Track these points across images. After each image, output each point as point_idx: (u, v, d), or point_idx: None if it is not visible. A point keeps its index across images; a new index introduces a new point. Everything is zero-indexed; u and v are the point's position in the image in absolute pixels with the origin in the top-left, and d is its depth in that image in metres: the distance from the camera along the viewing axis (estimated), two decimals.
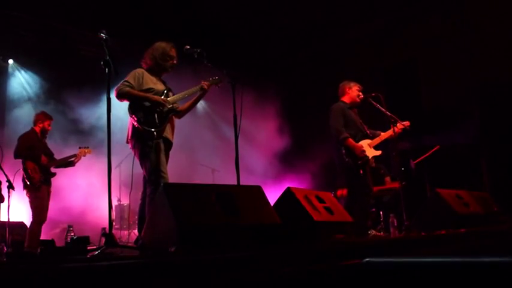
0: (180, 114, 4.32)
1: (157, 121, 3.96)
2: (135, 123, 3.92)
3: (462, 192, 5.69)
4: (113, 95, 3.70)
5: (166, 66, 4.23)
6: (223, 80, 4.41)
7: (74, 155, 6.02)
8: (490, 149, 7.25)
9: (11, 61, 8.01)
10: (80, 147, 6.19)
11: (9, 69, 8.04)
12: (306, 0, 7.98)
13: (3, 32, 7.48)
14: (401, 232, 4.51)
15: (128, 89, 3.96)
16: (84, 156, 6.17)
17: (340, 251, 2.89)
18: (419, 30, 8.41)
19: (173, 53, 4.26)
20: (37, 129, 5.97)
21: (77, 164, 6.17)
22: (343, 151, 5.03)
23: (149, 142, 3.91)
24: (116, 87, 3.90)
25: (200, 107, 10.35)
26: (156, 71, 4.24)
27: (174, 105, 4.15)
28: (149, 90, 4.05)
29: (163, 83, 4.29)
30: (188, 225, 2.90)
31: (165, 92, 4.16)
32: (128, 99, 3.97)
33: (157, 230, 3.13)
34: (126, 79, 4.03)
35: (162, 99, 4.03)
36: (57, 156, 6.10)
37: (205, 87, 4.27)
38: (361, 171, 5.00)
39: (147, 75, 4.15)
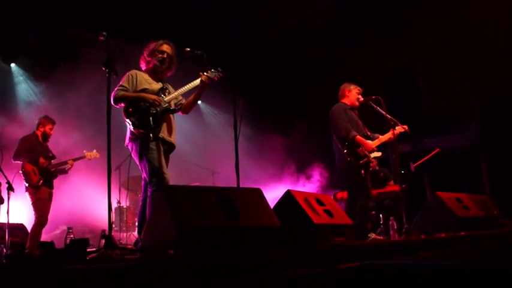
0: (184, 109, 4.28)
1: (152, 123, 3.93)
2: (130, 127, 3.92)
3: (462, 195, 5.69)
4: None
5: (155, 62, 4.16)
6: (222, 72, 4.29)
7: (65, 162, 6.02)
8: (490, 152, 7.25)
9: (13, 65, 8.04)
10: (85, 151, 6.21)
11: (11, 71, 8.06)
12: (307, 3, 8.00)
13: (5, 34, 7.49)
14: (401, 235, 4.51)
15: (122, 93, 3.96)
16: (91, 159, 6.20)
17: (340, 253, 2.89)
18: (419, 33, 8.42)
19: (163, 48, 4.20)
20: (38, 133, 5.99)
21: (76, 166, 6.18)
22: (345, 150, 5.02)
23: (147, 144, 3.91)
24: (112, 93, 3.87)
25: (201, 109, 10.38)
26: (151, 70, 4.22)
27: (171, 103, 4.13)
28: (143, 90, 4.03)
29: (162, 82, 4.25)
30: (188, 228, 2.90)
31: (161, 90, 4.12)
32: (124, 102, 3.96)
33: (156, 232, 3.13)
34: (120, 83, 4.03)
35: (156, 97, 3.99)
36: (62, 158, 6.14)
37: (204, 79, 4.19)
38: (362, 172, 4.99)
39: (141, 76, 4.13)
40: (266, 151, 9.24)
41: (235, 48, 8.89)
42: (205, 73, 4.21)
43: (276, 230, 3.38)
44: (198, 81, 4.21)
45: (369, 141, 5.13)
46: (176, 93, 4.19)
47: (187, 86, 4.22)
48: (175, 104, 4.22)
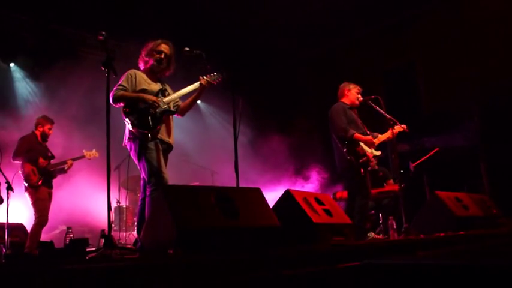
0: (181, 111, 4.28)
1: (150, 123, 3.92)
2: (129, 127, 3.92)
3: (461, 194, 5.70)
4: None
5: (152, 62, 4.15)
6: (222, 76, 4.29)
7: (64, 162, 6.02)
8: (490, 152, 7.26)
9: (12, 64, 8.03)
10: (84, 150, 6.20)
11: (10, 71, 8.06)
12: (306, 3, 8.00)
13: (4, 34, 7.49)
14: (400, 234, 4.51)
15: (121, 92, 3.95)
16: (90, 158, 6.21)
17: (339, 253, 2.89)
18: (418, 33, 8.43)
19: (161, 48, 4.19)
20: (37, 132, 5.99)
21: (75, 166, 6.17)
22: (345, 150, 5.02)
23: (146, 144, 3.90)
24: (111, 92, 3.86)
25: (201, 109, 10.37)
26: (149, 70, 4.21)
27: (170, 104, 4.13)
28: (143, 90, 4.03)
29: (161, 83, 4.25)
30: (187, 228, 2.90)
31: (160, 91, 4.12)
32: (122, 102, 3.96)
33: (156, 232, 3.13)
34: (119, 83, 4.03)
35: (155, 98, 3.99)
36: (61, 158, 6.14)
37: (204, 83, 4.19)
38: (362, 170, 4.99)
39: (140, 76, 4.13)
40: (265, 151, 9.23)
41: (235, 48, 8.89)
42: (204, 77, 4.21)
43: (276, 230, 3.37)
44: (197, 84, 4.21)
45: (369, 137, 5.14)
46: (175, 95, 4.19)
47: (187, 88, 4.22)
48: (173, 105, 4.22)
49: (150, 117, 3.93)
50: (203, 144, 9.56)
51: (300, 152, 9.20)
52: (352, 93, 5.39)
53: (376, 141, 5.18)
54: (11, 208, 5.20)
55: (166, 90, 4.21)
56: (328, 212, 4.21)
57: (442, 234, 4.48)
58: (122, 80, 4.04)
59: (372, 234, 4.91)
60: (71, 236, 4.95)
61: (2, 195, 5.47)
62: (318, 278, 2.27)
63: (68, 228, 5.09)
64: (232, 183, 4.08)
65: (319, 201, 4.27)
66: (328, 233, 3.99)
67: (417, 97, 8.54)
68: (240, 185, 4.07)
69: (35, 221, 5.63)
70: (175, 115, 4.26)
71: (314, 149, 8.81)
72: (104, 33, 3.61)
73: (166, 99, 4.09)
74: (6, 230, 5.09)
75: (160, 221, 3.05)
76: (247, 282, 2.08)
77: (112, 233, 3.73)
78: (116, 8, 7.47)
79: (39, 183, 5.69)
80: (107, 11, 7.31)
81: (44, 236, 5.85)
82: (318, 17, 8.27)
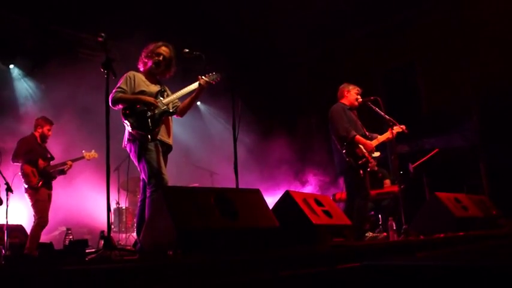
0: (180, 112, 4.28)
1: (150, 124, 3.93)
2: (129, 129, 3.92)
3: (461, 195, 5.70)
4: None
5: (151, 64, 4.15)
6: (220, 76, 4.29)
7: (64, 163, 6.02)
8: (489, 153, 7.26)
9: (11, 66, 8.04)
10: (84, 151, 6.20)
11: (10, 72, 8.06)
12: (305, 3, 8.01)
13: (3, 35, 7.49)
14: (400, 235, 4.51)
15: (120, 94, 3.95)
16: (89, 159, 6.21)
17: (338, 254, 2.89)
18: (418, 33, 8.44)
19: (161, 50, 4.19)
20: (36, 134, 5.98)
21: (74, 167, 6.17)
22: (344, 151, 5.02)
23: (145, 145, 3.90)
24: (110, 95, 3.86)
25: (200, 110, 10.38)
26: (147, 72, 4.21)
27: (169, 105, 4.13)
28: (141, 92, 4.03)
29: (159, 84, 4.25)
30: (187, 229, 2.90)
31: (159, 92, 4.12)
32: (121, 104, 3.96)
33: (155, 233, 3.13)
34: (118, 85, 4.03)
35: (154, 100, 4.00)
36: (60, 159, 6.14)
37: (203, 83, 4.18)
38: (361, 172, 4.98)
39: (139, 77, 4.13)
40: (265, 154, 9.24)
41: (235, 49, 8.89)
42: (203, 77, 4.20)
43: (275, 231, 3.37)
44: (196, 84, 4.21)
45: (369, 141, 5.13)
46: (174, 95, 4.19)
47: (186, 89, 4.22)
48: (172, 106, 4.22)
49: (149, 119, 3.93)
50: (203, 146, 9.56)
51: (299, 153, 9.21)
52: (351, 94, 5.39)
53: (376, 142, 5.18)
54: (11, 209, 5.20)
55: (165, 91, 4.21)
56: (327, 213, 4.21)
57: (441, 235, 4.48)
58: (121, 82, 4.04)
59: (369, 234, 4.90)
60: (71, 237, 4.95)
61: (1, 196, 5.47)
62: (317, 279, 2.27)
63: (68, 229, 5.09)
64: (232, 185, 4.08)
65: (318, 203, 4.26)
66: (327, 234, 3.99)
67: (417, 97, 8.54)
68: (240, 186, 4.06)
69: (35, 222, 5.62)
70: (174, 116, 4.26)
71: (313, 150, 8.81)
72: (103, 34, 3.61)
73: (165, 100, 4.10)
74: (5, 232, 5.09)
75: (160, 222, 3.05)
76: (247, 283, 2.08)
77: (111, 234, 3.73)
78: (115, 9, 7.46)
79: (40, 184, 5.68)
80: (107, 12, 7.30)
81: (44, 237, 5.84)
82: (318, 17, 8.26)
